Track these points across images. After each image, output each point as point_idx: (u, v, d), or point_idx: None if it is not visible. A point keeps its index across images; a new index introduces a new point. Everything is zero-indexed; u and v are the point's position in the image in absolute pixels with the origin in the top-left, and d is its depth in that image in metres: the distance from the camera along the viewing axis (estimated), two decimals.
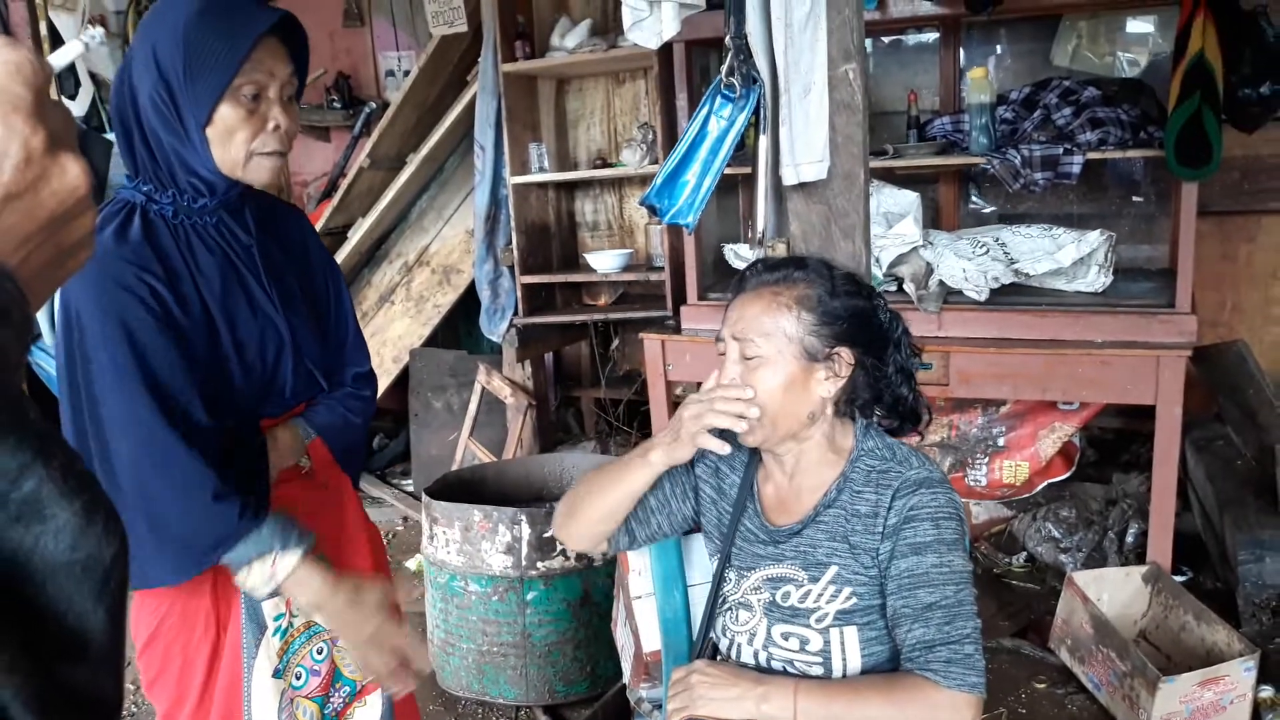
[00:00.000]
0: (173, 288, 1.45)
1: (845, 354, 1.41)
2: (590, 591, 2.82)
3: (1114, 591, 2.92)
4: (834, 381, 1.41)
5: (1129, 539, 3.37)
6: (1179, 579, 3.03)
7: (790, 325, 1.39)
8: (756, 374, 1.39)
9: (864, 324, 1.43)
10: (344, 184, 4.36)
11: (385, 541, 4.20)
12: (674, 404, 3.57)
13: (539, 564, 2.78)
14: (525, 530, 2.76)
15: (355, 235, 4.28)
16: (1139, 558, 3.16)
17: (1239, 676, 2.52)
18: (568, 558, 2.79)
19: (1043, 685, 2.83)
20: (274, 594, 1.49)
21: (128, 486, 1.40)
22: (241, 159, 1.46)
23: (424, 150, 4.07)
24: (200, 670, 1.58)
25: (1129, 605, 2.93)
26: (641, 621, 2.16)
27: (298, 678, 1.62)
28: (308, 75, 1.53)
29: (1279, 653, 2.80)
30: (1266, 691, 2.63)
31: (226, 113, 1.42)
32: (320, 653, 1.65)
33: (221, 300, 1.50)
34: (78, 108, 4.43)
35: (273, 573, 1.44)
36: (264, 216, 1.62)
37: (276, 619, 1.60)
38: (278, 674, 1.59)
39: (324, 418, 1.66)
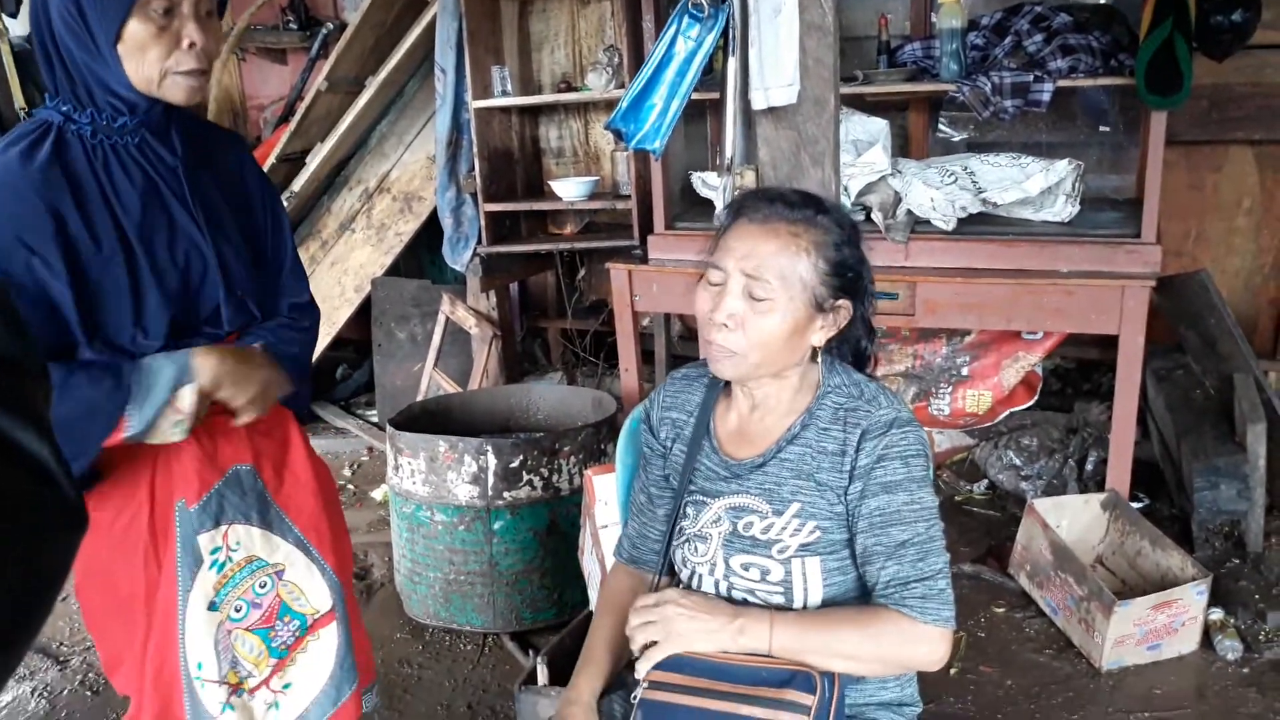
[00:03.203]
0: (81, 211, 1.41)
1: (846, 306, 1.39)
2: (557, 520, 2.83)
3: (1073, 518, 2.97)
4: (828, 331, 1.40)
5: (1089, 467, 3.42)
6: (1136, 506, 3.08)
7: (807, 272, 1.35)
8: (764, 316, 1.35)
9: (862, 275, 1.42)
10: (301, 108, 4.24)
11: (350, 471, 4.19)
12: (641, 335, 3.55)
13: (505, 494, 2.77)
14: (491, 460, 2.75)
15: (313, 161, 4.17)
16: (1098, 485, 3.21)
17: (1191, 599, 2.58)
18: (534, 488, 2.78)
19: (1001, 610, 2.89)
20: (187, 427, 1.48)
21: None
22: (155, 77, 1.41)
23: (383, 73, 3.95)
24: (140, 603, 1.57)
25: (1087, 531, 2.98)
26: (608, 550, 2.17)
27: (237, 610, 1.60)
28: None
29: (1230, 576, 2.88)
30: (1216, 614, 2.70)
31: (136, 29, 1.37)
32: (263, 586, 1.63)
33: (139, 225, 1.46)
34: (19, 26, 4.26)
35: (179, 414, 1.45)
36: (194, 139, 1.57)
37: (213, 552, 1.58)
38: (213, 607, 1.58)
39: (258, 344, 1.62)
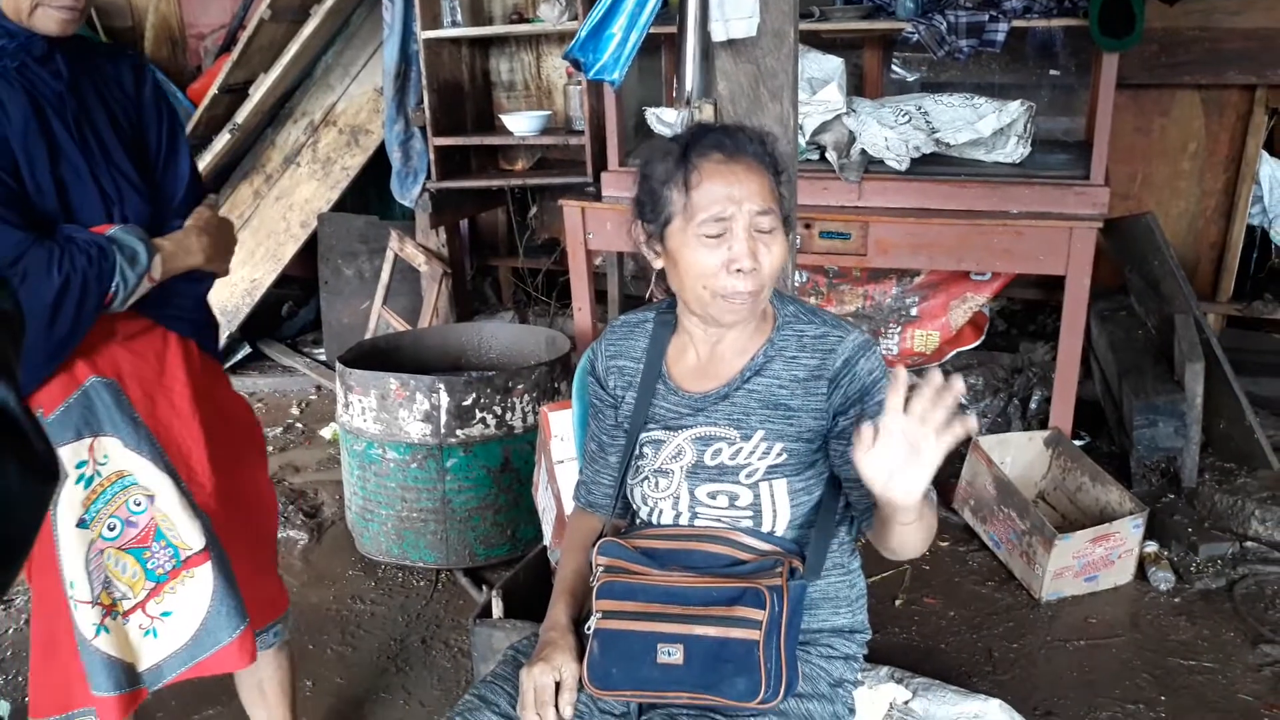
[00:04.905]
0: None
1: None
2: (510, 458, 2.83)
3: (1017, 455, 3.04)
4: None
5: (1032, 405, 3.49)
6: (1078, 443, 3.16)
7: (774, 188, 1.38)
8: (773, 246, 1.36)
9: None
10: (244, 37, 4.09)
11: (298, 410, 4.14)
12: (595, 275, 3.52)
13: (458, 431, 2.76)
14: (444, 398, 2.73)
15: (257, 92, 4.05)
16: (1041, 423, 3.29)
17: (1128, 533, 2.66)
18: (487, 426, 2.78)
19: (945, 544, 2.96)
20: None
21: None
22: (25, 7, 1.41)
23: (329, 1, 3.83)
24: None
25: (1030, 468, 3.06)
26: (564, 485, 2.18)
27: (110, 529, 1.56)
28: None
29: (1165, 511, 2.97)
30: (1151, 547, 2.79)
31: None
32: (138, 505, 1.58)
33: (24, 146, 1.44)
34: None
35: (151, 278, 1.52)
36: (84, 63, 1.53)
37: (79, 466, 1.53)
38: (83, 524, 1.54)
39: None
